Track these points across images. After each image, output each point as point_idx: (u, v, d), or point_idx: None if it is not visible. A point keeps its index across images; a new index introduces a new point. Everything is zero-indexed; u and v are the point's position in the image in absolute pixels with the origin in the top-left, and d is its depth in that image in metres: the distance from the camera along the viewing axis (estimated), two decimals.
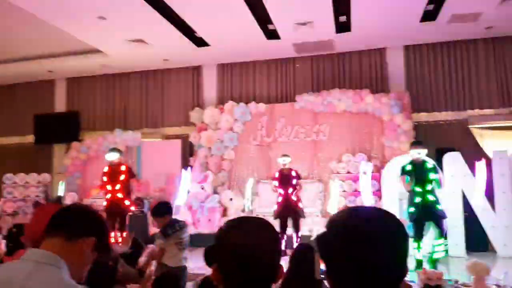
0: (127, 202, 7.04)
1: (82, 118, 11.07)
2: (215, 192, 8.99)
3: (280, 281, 1.17)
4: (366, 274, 0.96)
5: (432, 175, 5.90)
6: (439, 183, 5.94)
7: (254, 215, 8.22)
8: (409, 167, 6.02)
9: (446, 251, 6.08)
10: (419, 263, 5.82)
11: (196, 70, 10.47)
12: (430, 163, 6.11)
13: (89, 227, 1.49)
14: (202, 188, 8.74)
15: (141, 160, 10.08)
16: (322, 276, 1.13)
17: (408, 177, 5.98)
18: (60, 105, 11.36)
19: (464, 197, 7.11)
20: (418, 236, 5.87)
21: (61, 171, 10.17)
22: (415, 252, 5.83)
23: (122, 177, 7.02)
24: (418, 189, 5.90)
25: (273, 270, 1.15)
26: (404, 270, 1.01)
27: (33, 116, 11.12)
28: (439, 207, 5.87)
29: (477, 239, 6.90)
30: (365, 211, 1.08)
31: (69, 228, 1.45)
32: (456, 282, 4.89)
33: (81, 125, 11.00)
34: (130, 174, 7.09)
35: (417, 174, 5.92)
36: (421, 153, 5.99)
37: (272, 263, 1.16)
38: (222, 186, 9.39)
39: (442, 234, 5.89)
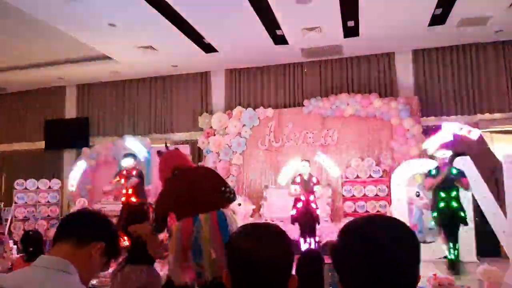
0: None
1: (92, 124, 11.18)
2: None
3: None
4: (380, 282, 0.97)
5: (457, 182, 5.95)
6: (465, 187, 5.99)
7: (262, 220, 8.21)
8: (434, 172, 6.06)
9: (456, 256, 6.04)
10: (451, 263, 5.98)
11: (204, 76, 10.50)
12: (456, 169, 6.16)
13: (99, 232, 1.50)
14: None
15: (150, 165, 10.11)
16: None
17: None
18: (70, 111, 11.47)
19: (475, 201, 7.03)
20: (449, 239, 5.98)
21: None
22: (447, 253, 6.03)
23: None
24: (442, 194, 5.92)
25: (285, 277, 1.15)
26: (417, 277, 1.02)
27: (44, 122, 11.26)
28: (462, 214, 5.96)
29: (488, 245, 6.79)
30: (379, 220, 1.09)
31: (78, 233, 1.46)
32: None
33: (91, 131, 11.10)
34: (142, 178, 7.31)
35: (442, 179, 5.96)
36: (445, 154, 6.10)
37: (285, 271, 1.15)
38: None
39: (454, 240, 5.93)
